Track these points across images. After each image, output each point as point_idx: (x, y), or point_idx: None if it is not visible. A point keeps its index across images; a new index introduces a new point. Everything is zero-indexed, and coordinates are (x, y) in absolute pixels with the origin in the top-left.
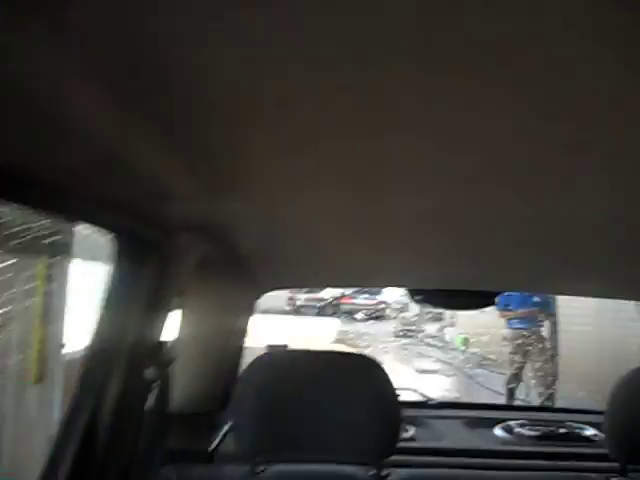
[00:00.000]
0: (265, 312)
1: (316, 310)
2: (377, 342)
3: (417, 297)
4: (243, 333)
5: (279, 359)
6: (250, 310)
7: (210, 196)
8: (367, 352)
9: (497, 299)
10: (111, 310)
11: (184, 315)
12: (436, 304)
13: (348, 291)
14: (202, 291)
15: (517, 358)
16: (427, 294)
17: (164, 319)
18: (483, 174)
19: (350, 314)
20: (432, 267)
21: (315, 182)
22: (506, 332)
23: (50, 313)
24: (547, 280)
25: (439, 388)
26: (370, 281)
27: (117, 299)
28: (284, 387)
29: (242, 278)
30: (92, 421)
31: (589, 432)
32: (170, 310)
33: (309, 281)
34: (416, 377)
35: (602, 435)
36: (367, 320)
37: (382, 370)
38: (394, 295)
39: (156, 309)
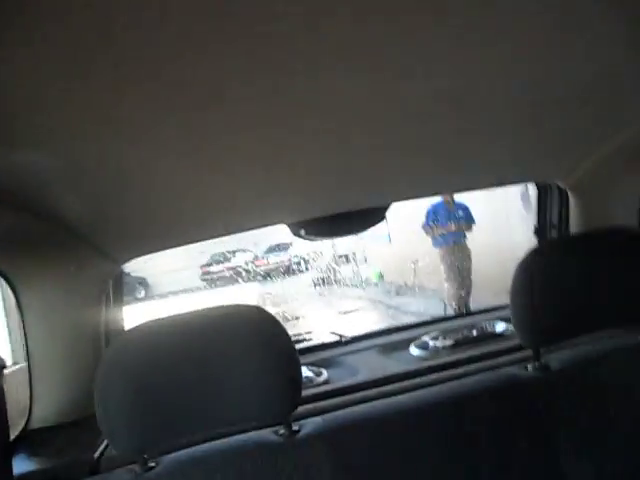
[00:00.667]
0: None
1: (232, 279)
2: (298, 295)
3: (301, 232)
4: (105, 321)
5: (144, 333)
6: (103, 289)
7: None
8: (290, 306)
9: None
10: None
11: (27, 312)
12: (325, 234)
13: (260, 253)
14: (37, 277)
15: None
16: (311, 226)
17: None
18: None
19: (267, 275)
20: (310, 194)
21: (138, 116)
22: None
23: None
24: (437, 181)
25: (363, 323)
26: (244, 224)
27: None
28: (157, 362)
29: (84, 252)
30: None
31: (501, 327)
32: None
33: (167, 242)
34: (340, 319)
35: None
36: (284, 276)
37: (270, 315)
38: (305, 246)
39: None
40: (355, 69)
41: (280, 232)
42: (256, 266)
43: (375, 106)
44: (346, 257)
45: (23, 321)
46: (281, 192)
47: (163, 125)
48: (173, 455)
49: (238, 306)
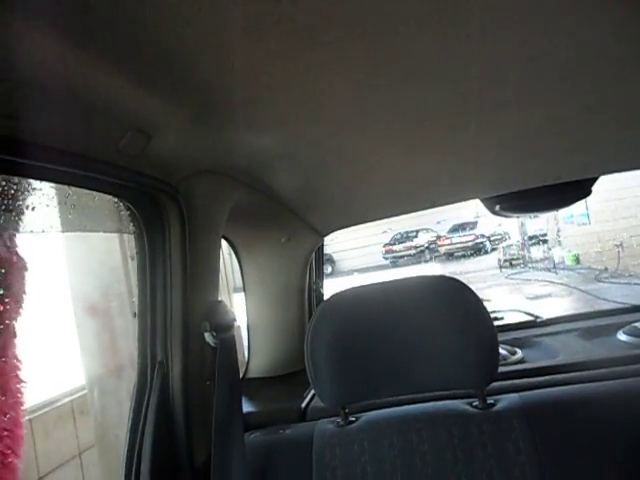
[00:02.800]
0: (363, 270)
1: (414, 259)
2: (483, 277)
3: (496, 207)
4: (309, 287)
5: (350, 297)
6: (308, 259)
7: (213, 133)
8: (474, 288)
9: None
10: (149, 276)
11: (246, 275)
12: (522, 210)
13: (443, 233)
14: (255, 246)
15: None
16: (507, 201)
17: (211, 278)
18: None
19: (450, 255)
20: (505, 167)
21: (345, 104)
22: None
23: None
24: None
25: (555, 310)
26: (438, 200)
27: (152, 264)
28: (360, 327)
29: (293, 225)
30: (163, 391)
31: None
32: (215, 266)
33: (366, 215)
34: (528, 304)
35: None
36: (468, 257)
37: (469, 290)
38: (491, 226)
39: (197, 267)
40: (549, 35)
41: (465, 210)
42: (438, 246)
43: (567, 73)
44: (537, 238)
45: (244, 284)
46: (475, 166)
47: (363, 112)
48: (372, 413)
49: (433, 276)
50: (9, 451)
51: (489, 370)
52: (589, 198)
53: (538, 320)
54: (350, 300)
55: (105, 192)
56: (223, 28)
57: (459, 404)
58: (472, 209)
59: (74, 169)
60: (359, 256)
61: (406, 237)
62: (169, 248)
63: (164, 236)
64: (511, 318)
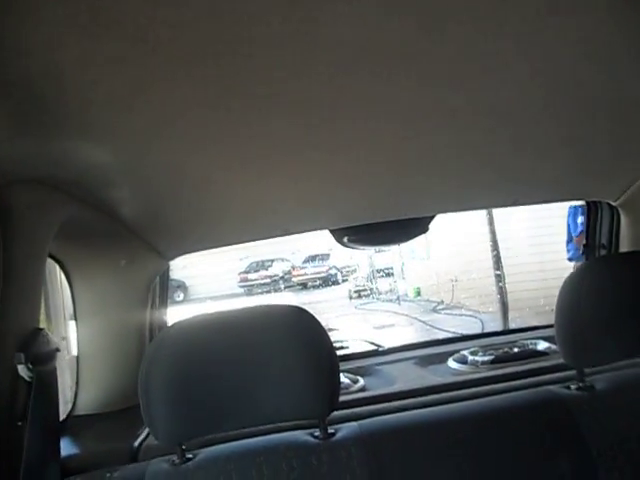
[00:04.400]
0: (218, 298)
1: (269, 287)
2: (333, 307)
3: (345, 239)
4: (150, 316)
5: (190, 327)
6: (150, 285)
7: (40, 138)
8: (324, 317)
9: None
10: None
11: (78, 300)
12: (368, 243)
13: (297, 263)
14: (90, 268)
15: None
16: (355, 234)
17: (31, 302)
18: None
19: (303, 286)
20: (356, 201)
21: (195, 117)
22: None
23: None
24: (485, 194)
25: (397, 338)
26: (289, 228)
27: None
28: (201, 357)
29: (135, 247)
30: None
31: (542, 346)
32: (37, 288)
33: (215, 240)
34: (374, 333)
35: (555, 347)
36: (321, 287)
37: (314, 319)
38: (343, 259)
39: (12, 289)
40: (406, 75)
41: (321, 241)
42: (293, 276)
43: (423, 115)
44: (383, 271)
45: (75, 309)
46: (327, 198)
47: (216, 133)
48: (210, 449)
49: (280, 306)
50: None
51: (330, 399)
52: (428, 235)
53: (380, 349)
54: (191, 329)
55: None
56: (52, 21)
57: (301, 435)
58: (326, 241)
59: None
60: (214, 282)
61: (262, 266)
62: None
63: None
64: (356, 347)
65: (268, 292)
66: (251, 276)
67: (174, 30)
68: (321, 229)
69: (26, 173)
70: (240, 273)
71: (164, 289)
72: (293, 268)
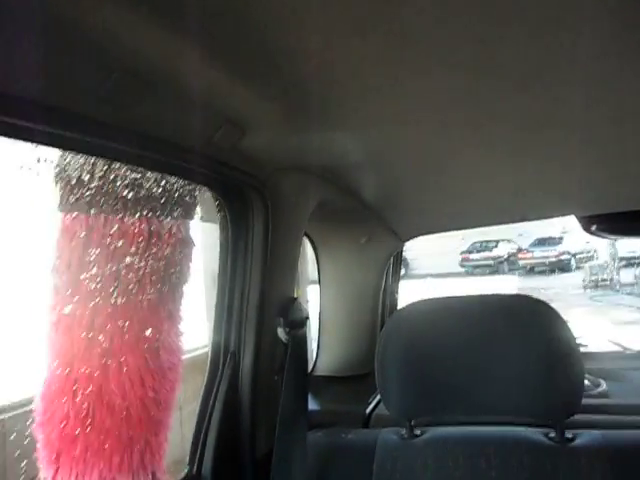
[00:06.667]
0: (437, 276)
1: (491, 269)
2: (564, 296)
3: (593, 227)
4: (383, 288)
5: (426, 309)
6: (386, 262)
7: (305, 131)
8: (554, 307)
9: None
10: (230, 268)
11: (322, 272)
12: (620, 232)
13: (524, 245)
14: (335, 244)
15: None
16: (605, 221)
17: (290, 274)
18: None
19: (530, 270)
20: (607, 185)
21: (443, 108)
22: None
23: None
24: None
25: None
26: (530, 214)
27: (234, 256)
28: (434, 341)
29: (375, 227)
30: (232, 382)
31: None
32: (295, 262)
33: (451, 224)
34: (613, 330)
35: None
36: (549, 273)
37: (555, 313)
38: (577, 243)
39: (277, 262)
40: None
41: (552, 224)
42: (518, 258)
43: None
44: (628, 260)
45: (319, 280)
46: (575, 182)
47: (464, 118)
48: (438, 429)
49: (522, 297)
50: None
51: (571, 401)
52: None
53: (627, 351)
54: (426, 311)
55: (196, 182)
56: (328, 28)
57: (533, 433)
58: (559, 224)
59: (169, 158)
60: (434, 259)
61: (485, 246)
62: (252, 242)
63: (248, 230)
64: (594, 345)
65: (490, 274)
66: (473, 256)
67: (431, 17)
68: (565, 215)
69: (291, 161)
70: (462, 252)
71: (398, 267)
72: (519, 251)
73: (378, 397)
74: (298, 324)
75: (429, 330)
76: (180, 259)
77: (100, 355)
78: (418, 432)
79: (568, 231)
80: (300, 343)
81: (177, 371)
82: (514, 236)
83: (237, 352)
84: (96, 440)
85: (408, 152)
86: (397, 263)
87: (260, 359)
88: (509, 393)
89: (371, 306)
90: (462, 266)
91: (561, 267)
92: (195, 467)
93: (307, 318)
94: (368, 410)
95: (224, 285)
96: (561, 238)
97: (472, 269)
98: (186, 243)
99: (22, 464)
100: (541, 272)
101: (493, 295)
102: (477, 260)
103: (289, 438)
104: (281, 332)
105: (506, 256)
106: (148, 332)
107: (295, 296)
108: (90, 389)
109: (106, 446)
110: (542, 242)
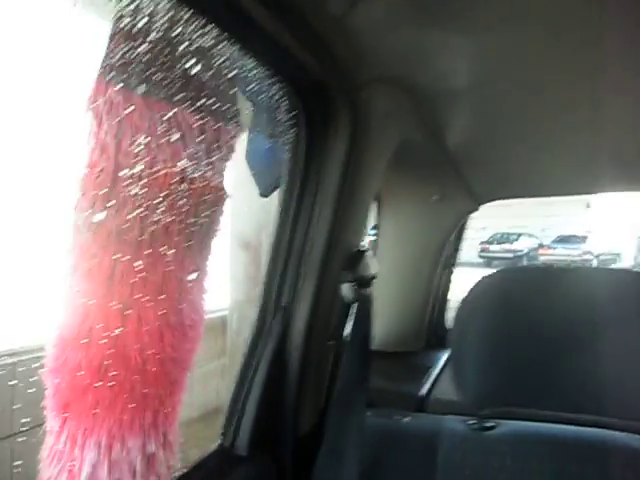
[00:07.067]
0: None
1: (510, 262)
2: None
3: None
4: (451, 257)
5: (515, 279)
6: (454, 227)
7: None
8: None
9: None
10: (295, 202)
11: (380, 232)
12: None
13: (546, 241)
14: (401, 200)
15: None
16: None
17: (362, 219)
18: None
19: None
20: None
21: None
22: None
23: None
24: None
25: None
26: (601, 186)
27: (302, 186)
28: (524, 317)
29: (450, 184)
30: (280, 341)
31: None
32: (368, 208)
33: (529, 190)
34: None
35: None
36: None
37: None
38: (601, 244)
39: (352, 201)
40: None
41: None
42: (539, 254)
43: None
44: None
45: (377, 241)
46: None
47: (559, 76)
48: (514, 423)
49: (627, 271)
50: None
51: None
52: None
53: None
54: (522, 280)
55: (275, 70)
56: None
57: (636, 439)
58: (583, 222)
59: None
60: None
61: (506, 238)
62: (326, 170)
63: (325, 153)
64: None
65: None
66: (493, 247)
67: None
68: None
69: (390, 71)
70: (482, 242)
71: (459, 240)
72: (540, 246)
73: (432, 378)
74: (366, 282)
75: (524, 304)
76: (211, 210)
77: (119, 305)
78: (491, 424)
79: (592, 231)
80: (367, 305)
81: (198, 330)
82: (537, 231)
83: (289, 306)
84: (108, 394)
85: (508, 99)
86: (460, 234)
87: (315, 318)
88: (612, 388)
89: (427, 278)
90: (481, 257)
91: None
92: (229, 440)
93: (374, 277)
94: (423, 392)
95: (283, 224)
96: (585, 237)
97: (490, 261)
98: (219, 192)
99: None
100: None
101: (598, 269)
102: (496, 252)
103: (345, 418)
104: (347, 289)
105: (526, 250)
106: (172, 285)
107: (364, 248)
108: (106, 340)
109: (118, 402)
110: (565, 239)
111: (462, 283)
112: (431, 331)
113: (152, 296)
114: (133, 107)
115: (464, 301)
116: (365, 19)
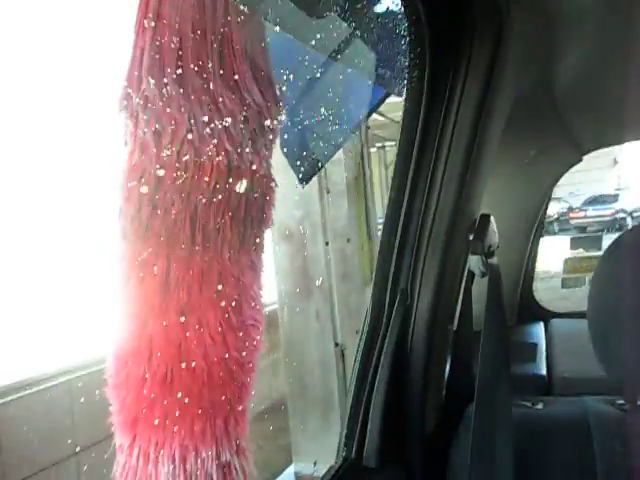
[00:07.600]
0: None
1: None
2: None
3: None
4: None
5: None
6: (555, 182)
7: None
8: None
9: None
10: (414, 164)
11: None
12: None
13: (576, 204)
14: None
15: None
16: None
17: (484, 181)
18: None
19: (582, 230)
20: None
21: None
22: None
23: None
24: None
25: None
26: None
27: (422, 145)
28: None
29: (552, 133)
30: (402, 330)
31: None
32: (490, 166)
33: (625, 137)
34: None
35: None
36: (605, 233)
37: None
38: (636, 201)
39: (482, 154)
40: None
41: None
42: (570, 218)
43: None
44: None
45: None
46: None
47: None
48: None
49: None
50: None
51: None
52: None
53: None
54: None
55: None
56: None
57: None
58: (613, 180)
59: None
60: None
61: None
62: (455, 118)
63: (453, 97)
64: None
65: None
66: None
67: None
68: None
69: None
70: None
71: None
72: (571, 210)
73: (543, 355)
74: (492, 252)
75: None
76: (262, 201)
77: (177, 310)
78: None
79: (624, 188)
80: (498, 277)
81: (260, 328)
82: (564, 194)
83: (410, 289)
84: (176, 405)
85: (624, 37)
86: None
87: (439, 300)
88: None
89: (522, 245)
90: None
91: (616, 227)
92: (355, 448)
93: (497, 245)
94: (542, 371)
95: (399, 193)
96: (616, 195)
97: None
98: (268, 181)
99: None
100: (594, 232)
101: None
102: None
103: (492, 412)
104: (476, 262)
105: (556, 215)
106: (229, 285)
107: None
108: (167, 348)
109: (187, 412)
110: (596, 200)
111: None
112: (523, 304)
113: (211, 297)
114: (170, 99)
115: (600, 268)
116: None
